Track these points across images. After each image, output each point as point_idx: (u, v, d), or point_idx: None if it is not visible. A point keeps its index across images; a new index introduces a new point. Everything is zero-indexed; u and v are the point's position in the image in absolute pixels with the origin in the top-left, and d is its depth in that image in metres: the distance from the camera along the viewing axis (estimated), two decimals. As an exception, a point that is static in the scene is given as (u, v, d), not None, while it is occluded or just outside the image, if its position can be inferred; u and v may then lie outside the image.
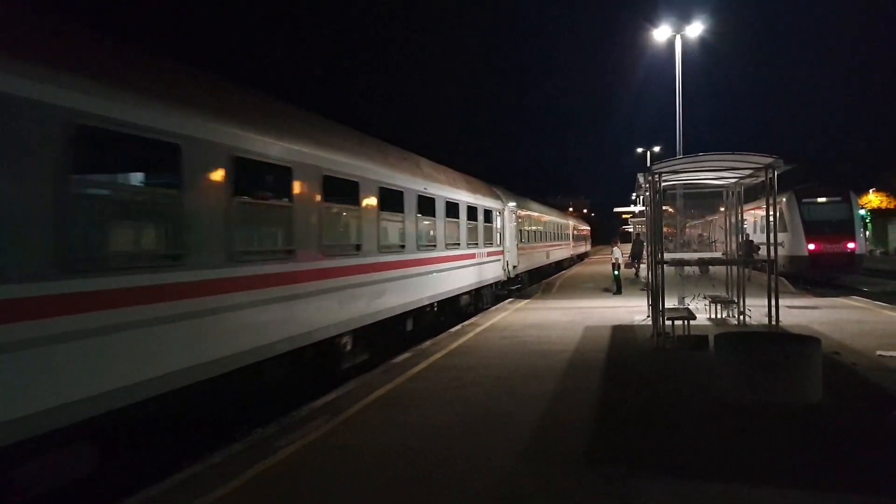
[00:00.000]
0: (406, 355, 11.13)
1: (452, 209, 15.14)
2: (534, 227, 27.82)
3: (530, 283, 26.55)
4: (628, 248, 29.85)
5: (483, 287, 18.40)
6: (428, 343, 12.38)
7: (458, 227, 15.75)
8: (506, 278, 21.05)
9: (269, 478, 5.51)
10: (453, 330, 14.10)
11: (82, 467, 5.28)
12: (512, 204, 22.41)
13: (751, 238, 20.66)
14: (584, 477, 5.33)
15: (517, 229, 23.04)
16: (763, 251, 17.38)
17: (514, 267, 22.15)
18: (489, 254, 18.66)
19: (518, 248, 22.92)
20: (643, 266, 22.99)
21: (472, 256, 16.91)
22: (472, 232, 17.00)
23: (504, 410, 7.37)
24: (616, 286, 21.43)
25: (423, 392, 8.38)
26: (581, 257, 52.53)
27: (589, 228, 67.10)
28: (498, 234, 20.14)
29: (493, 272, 19.26)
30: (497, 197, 20.60)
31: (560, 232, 37.46)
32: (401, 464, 5.72)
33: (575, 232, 47.93)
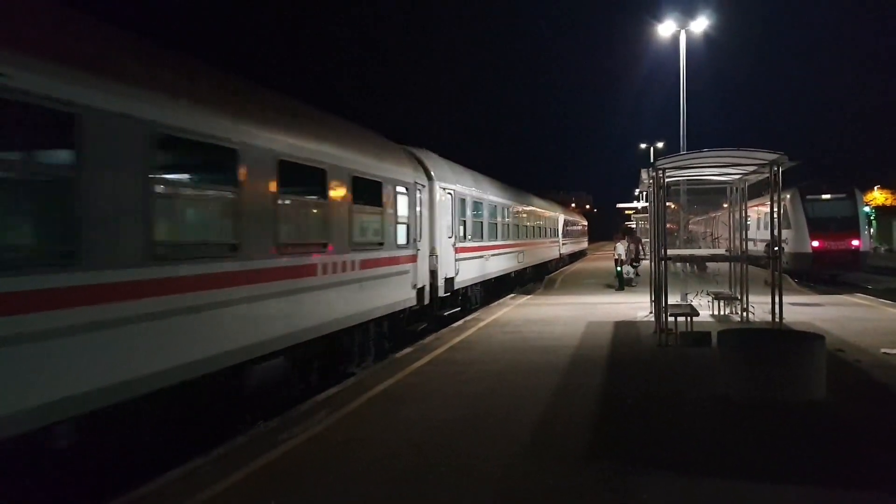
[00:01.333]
0: (408, 350, 11.13)
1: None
2: (496, 220, 20.23)
3: (488, 300, 18.81)
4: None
5: (354, 327, 9.87)
6: (430, 338, 12.37)
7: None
8: (416, 303, 12.52)
9: (270, 471, 5.52)
10: (455, 325, 14.10)
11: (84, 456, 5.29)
12: (450, 183, 15.09)
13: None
14: (586, 473, 5.32)
15: (460, 220, 15.91)
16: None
17: (448, 279, 14.61)
18: (382, 261, 10.71)
19: (456, 249, 15.34)
20: (641, 263, 22.89)
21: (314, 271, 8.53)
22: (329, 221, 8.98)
23: (506, 405, 7.36)
24: (619, 282, 21.40)
25: (426, 387, 8.38)
26: (575, 257, 46.05)
27: (586, 223, 59.20)
28: (408, 228, 12.14)
29: (388, 295, 11.07)
30: (415, 166, 13.13)
31: (544, 226, 30.57)
32: (402, 458, 5.72)
33: (567, 227, 40.73)
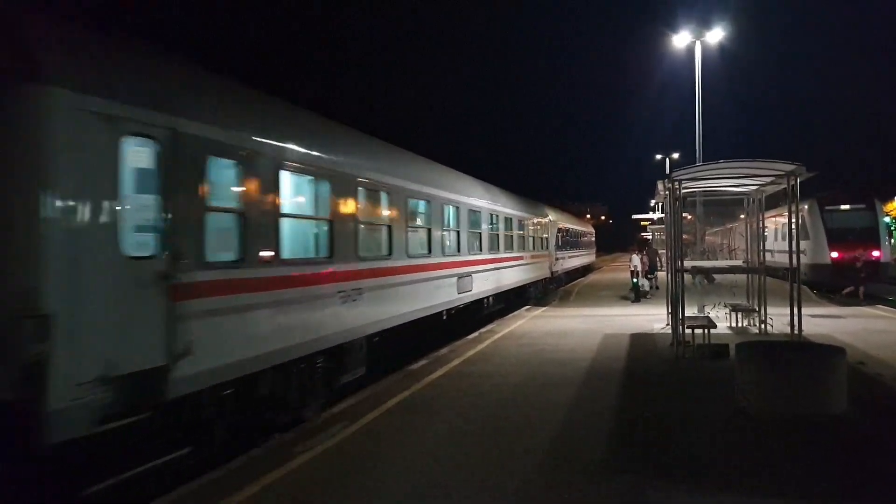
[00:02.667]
0: (423, 362, 11.13)
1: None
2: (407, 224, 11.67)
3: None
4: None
5: None
6: (445, 350, 12.36)
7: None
8: None
9: (284, 484, 5.54)
10: (470, 337, 14.08)
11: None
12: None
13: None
14: (601, 486, 5.29)
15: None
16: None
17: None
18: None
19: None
20: (657, 275, 22.71)
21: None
22: None
23: (521, 419, 7.34)
24: (635, 294, 21.27)
25: (440, 399, 8.37)
26: (579, 273, 37.19)
27: (593, 232, 48.33)
28: None
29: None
30: None
31: (526, 236, 21.99)
32: (419, 471, 5.72)
33: (565, 236, 31.25)
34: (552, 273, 26.62)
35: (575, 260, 35.80)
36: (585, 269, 41.03)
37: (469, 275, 14.87)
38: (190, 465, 6.18)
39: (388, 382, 9.58)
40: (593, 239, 48.36)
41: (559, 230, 29.31)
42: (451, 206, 13.96)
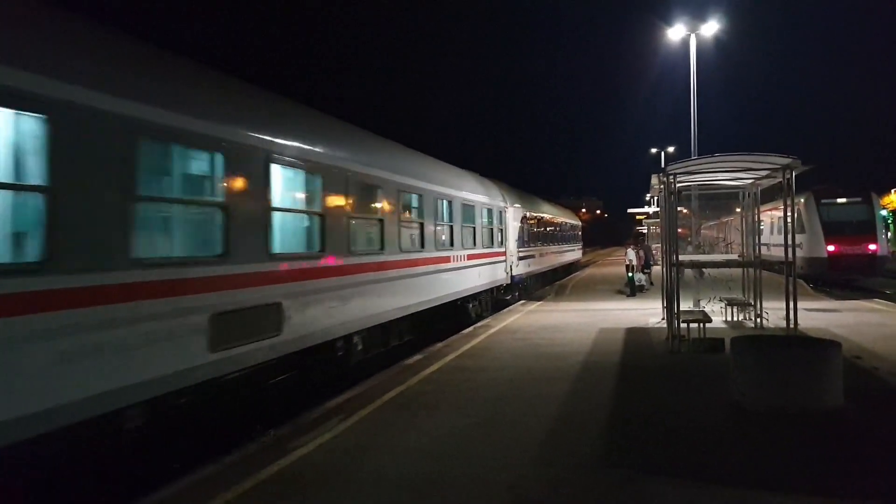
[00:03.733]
0: (418, 357, 11.11)
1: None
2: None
3: None
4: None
5: None
6: (440, 345, 12.34)
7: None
8: None
9: (281, 479, 5.51)
10: (466, 332, 14.05)
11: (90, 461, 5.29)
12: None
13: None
14: (597, 480, 5.27)
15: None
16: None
17: None
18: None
19: None
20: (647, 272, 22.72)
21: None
22: None
23: (517, 412, 7.32)
24: (630, 288, 21.29)
25: (436, 394, 8.35)
26: (556, 275, 30.92)
27: (578, 224, 41.64)
28: None
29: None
30: None
31: (464, 224, 15.55)
32: (414, 466, 5.69)
33: (532, 227, 24.34)
34: (511, 277, 20.32)
35: (552, 258, 29.28)
36: (568, 269, 35.41)
37: (309, 294, 8.20)
38: (184, 461, 6.15)
39: (384, 377, 9.55)
40: (579, 233, 41.26)
41: (525, 220, 23.02)
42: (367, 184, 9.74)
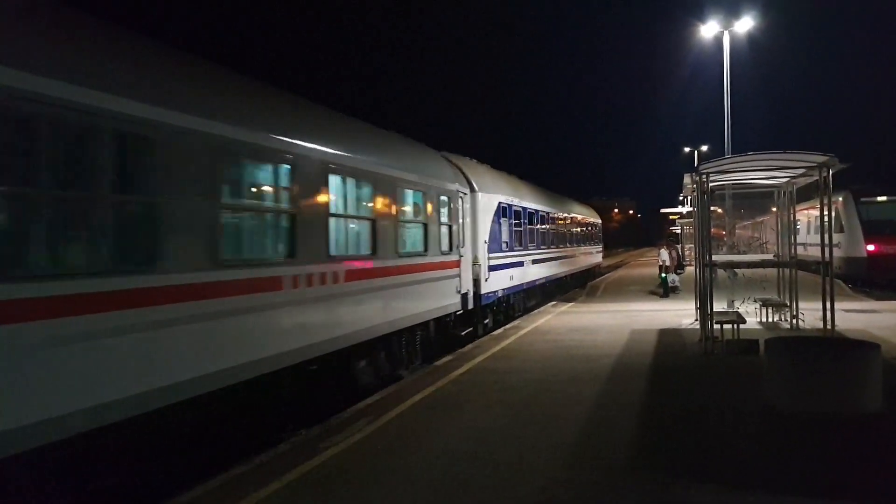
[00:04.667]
0: (448, 358, 11.15)
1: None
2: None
3: None
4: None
5: None
6: (470, 346, 12.36)
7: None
8: None
9: (311, 480, 5.59)
10: (496, 333, 14.05)
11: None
12: None
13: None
14: (628, 483, 5.23)
15: None
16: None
17: None
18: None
19: None
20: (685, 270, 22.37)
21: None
22: None
23: (547, 415, 7.30)
24: (664, 289, 21.00)
25: (466, 395, 8.37)
26: (571, 280, 26.16)
27: (597, 222, 34.07)
28: None
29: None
30: None
31: (380, 217, 9.58)
32: (443, 466, 5.73)
33: (519, 222, 18.04)
34: (478, 297, 14.01)
35: (555, 265, 22.02)
36: (584, 277, 28.73)
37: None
38: (218, 460, 6.28)
39: (413, 378, 9.62)
40: (598, 232, 33.79)
41: (507, 214, 16.56)
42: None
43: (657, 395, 8.07)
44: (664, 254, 21.66)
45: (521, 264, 17.71)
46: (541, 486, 5.23)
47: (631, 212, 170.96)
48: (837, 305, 11.20)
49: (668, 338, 12.50)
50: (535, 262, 19.40)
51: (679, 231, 42.83)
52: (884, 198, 25.56)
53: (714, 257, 12.23)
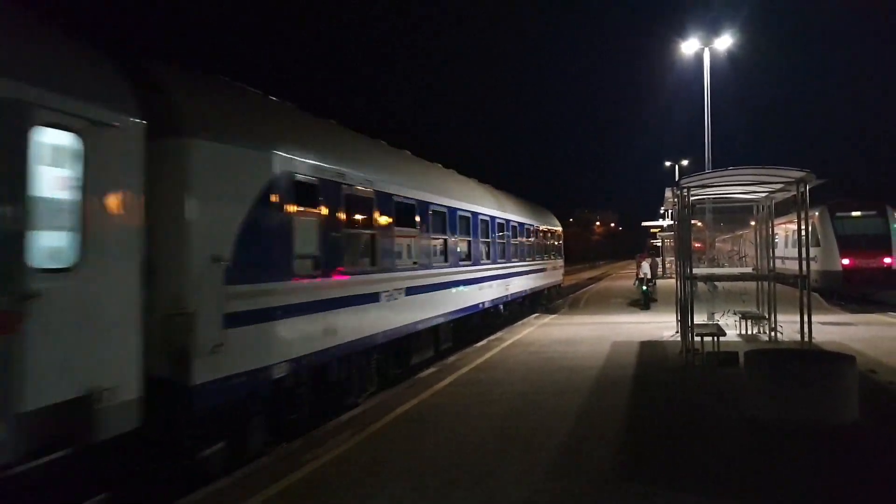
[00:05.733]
0: (432, 370, 11.13)
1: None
2: None
3: None
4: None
5: None
6: (453, 358, 12.36)
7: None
8: None
9: (293, 493, 5.54)
10: (479, 345, 14.06)
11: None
12: None
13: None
14: (611, 495, 5.26)
15: None
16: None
17: None
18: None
19: None
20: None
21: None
22: None
23: (531, 427, 7.31)
24: (644, 301, 21.20)
25: (450, 407, 8.36)
26: (497, 316, 17.24)
27: (558, 230, 26.13)
28: None
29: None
30: None
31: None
32: (427, 480, 5.71)
33: (358, 215, 9.26)
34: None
35: (449, 297, 12.89)
36: (531, 301, 21.25)
37: None
38: (197, 474, 6.19)
39: (397, 390, 9.58)
40: (556, 243, 25.24)
41: (292, 186, 7.44)
42: None
43: (639, 406, 8.12)
44: (645, 266, 21.88)
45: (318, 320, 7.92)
46: (526, 499, 5.23)
47: (613, 224, 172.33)
48: (814, 318, 11.38)
49: (650, 350, 12.59)
50: (412, 291, 10.81)
51: (659, 244, 43.28)
52: (858, 213, 26.08)
53: (695, 270, 12.38)
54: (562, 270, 26.89)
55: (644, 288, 21.45)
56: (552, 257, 24.47)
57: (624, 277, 43.27)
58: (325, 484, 5.71)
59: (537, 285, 21.56)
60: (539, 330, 16.44)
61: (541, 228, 22.51)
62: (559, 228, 26.14)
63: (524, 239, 19.72)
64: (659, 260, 27.26)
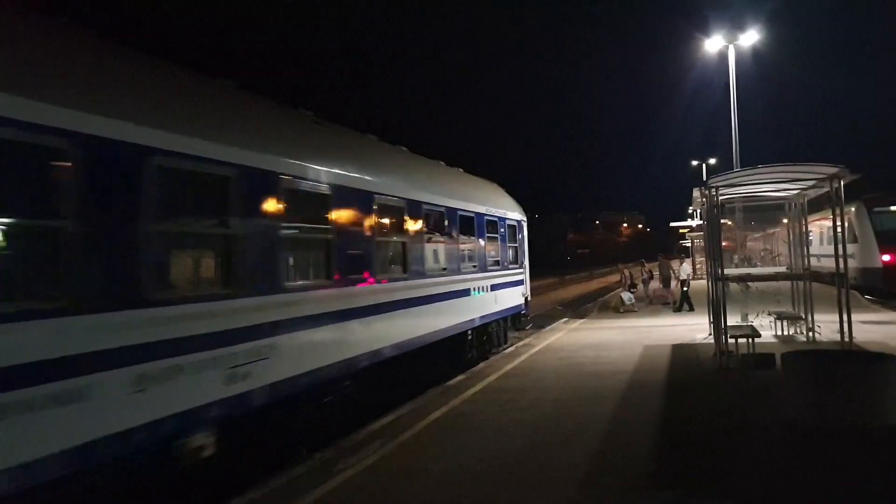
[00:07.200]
0: (461, 377, 11.09)
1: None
2: None
3: None
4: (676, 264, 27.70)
5: None
6: (482, 365, 12.30)
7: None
8: None
9: (327, 503, 5.54)
10: (508, 351, 13.97)
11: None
12: None
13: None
14: (646, 502, 5.16)
15: None
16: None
17: None
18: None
19: None
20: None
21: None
22: None
23: (563, 433, 7.23)
24: (681, 303, 20.70)
25: (480, 415, 8.31)
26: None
27: (517, 220, 16.41)
28: None
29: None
30: None
31: None
32: (459, 488, 5.67)
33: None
34: None
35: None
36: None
37: None
38: (233, 483, 6.24)
39: (427, 398, 9.56)
40: (511, 237, 16.02)
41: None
42: None
43: (673, 412, 7.97)
44: (687, 267, 21.41)
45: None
46: (559, 507, 5.16)
47: (640, 226, 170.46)
48: (854, 317, 11.05)
49: (683, 353, 12.38)
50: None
51: (689, 244, 42.63)
52: None
53: (727, 270, 12.14)
54: (523, 288, 16.64)
55: (684, 290, 20.98)
56: (503, 265, 15.10)
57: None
58: (357, 494, 5.70)
59: (462, 321, 12.30)
60: (568, 335, 16.28)
61: (491, 213, 14.33)
62: (517, 216, 16.56)
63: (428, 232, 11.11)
64: (689, 261, 26.74)
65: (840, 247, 10.93)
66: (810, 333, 12.92)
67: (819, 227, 26.33)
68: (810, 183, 12.05)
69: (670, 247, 55.97)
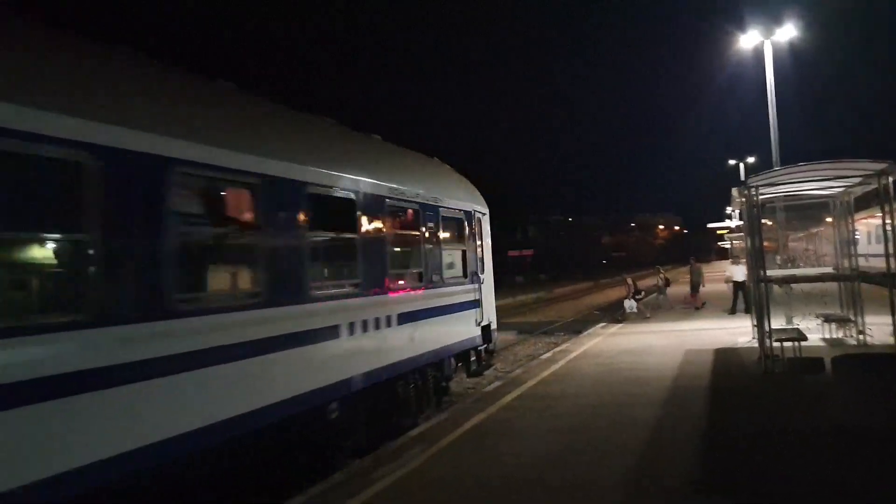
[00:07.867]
0: (497, 384, 11.01)
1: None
2: None
3: None
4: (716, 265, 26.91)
5: None
6: (519, 371, 12.19)
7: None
8: None
9: (367, 510, 5.53)
10: (545, 357, 13.83)
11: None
12: None
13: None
14: (694, 513, 5.01)
15: None
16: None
17: None
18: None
19: None
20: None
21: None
22: None
23: (602, 441, 7.09)
24: (741, 306, 19.77)
25: (518, 421, 8.22)
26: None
27: (477, 211, 11.86)
28: None
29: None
30: None
31: None
32: (498, 495, 5.60)
33: None
34: None
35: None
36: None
37: None
38: (273, 490, 6.28)
39: (465, 405, 9.51)
40: (466, 234, 11.28)
41: None
42: None
43: (717, 418, 7.75)
44: (739, 269, 20.60)
45: None
46: (602, 516, 5.05)
47: (677, 228, 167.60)
48: (907, 319, 10.63)
49: (725, 357, 12.07)
50: None
51: (728, 246, 41.71)
52: None
53: (770, 272, 11.81)
54: (477, 312, 11.37)
55: (740, 291, 20.21)
56: (432, 280, 9.78)
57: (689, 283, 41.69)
58: (397, 500, 5.68)
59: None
60: (605, 340, 16.05)
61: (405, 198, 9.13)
62: (467, 205, 11.58)
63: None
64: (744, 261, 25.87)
65: (890, 245, 10.54)
66: (861, 336, 12.46)
67: (865, 225, 25.50)
68: (856, 180, 11.66)
69: (708, 248, 54.78)
